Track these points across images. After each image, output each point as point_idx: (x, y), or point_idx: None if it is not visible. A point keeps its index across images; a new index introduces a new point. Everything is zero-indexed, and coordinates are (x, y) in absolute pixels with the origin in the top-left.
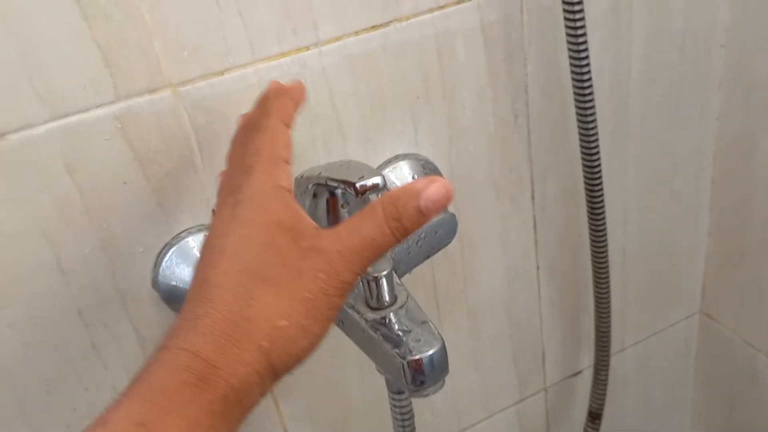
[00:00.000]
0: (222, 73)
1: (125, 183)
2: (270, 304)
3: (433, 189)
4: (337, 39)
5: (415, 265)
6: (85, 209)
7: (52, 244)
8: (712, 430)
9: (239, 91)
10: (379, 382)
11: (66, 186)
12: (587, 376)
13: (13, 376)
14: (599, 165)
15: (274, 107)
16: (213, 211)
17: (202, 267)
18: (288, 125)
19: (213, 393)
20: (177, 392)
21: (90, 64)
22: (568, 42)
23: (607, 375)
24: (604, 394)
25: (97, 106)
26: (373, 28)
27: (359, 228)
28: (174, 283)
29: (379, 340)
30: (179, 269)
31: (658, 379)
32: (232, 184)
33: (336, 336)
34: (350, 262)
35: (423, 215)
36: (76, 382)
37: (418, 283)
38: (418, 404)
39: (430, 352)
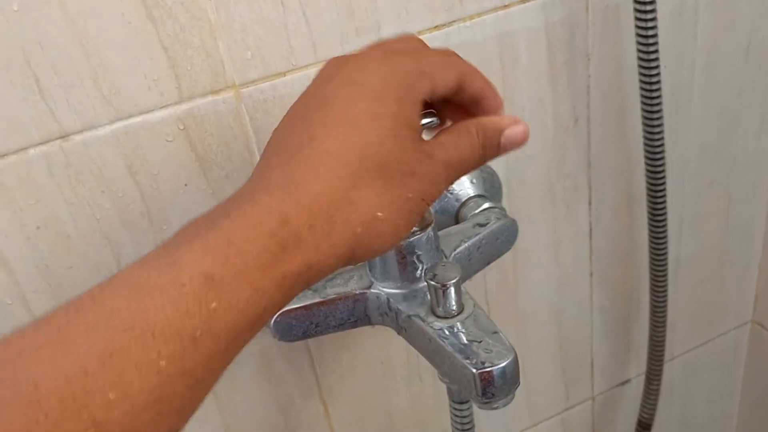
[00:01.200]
0: (284, 74)
1: (186, 185)
2: (376, 193)
3: (516, 130)
4: None
5: (476, 271)
6: (146, 211)
7: (112, 246)
8: None
9: (300, 92)
10: (425, 389)
11: (128, 187)
12: (635, 385)
13: None
14: (663, 171)
15: (472, 78)
16: None
17: (311, 121)
18: (465, 90)
19: (289, 267)
20: (255, 257)
21: (155, 65)
22: (638, 43)
23: (659, 385)
24: (656, 404)
25: (161, 107)
26: (436, 27)
27: (458, 144)
28: None
29: (446, 349)
30: None
31: (704, 388)
32: (384, 55)
33: (386, 342)
34: (449, 174)
35: (500, 150)
36: None
37: (470, 289)
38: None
39: (503, 363)
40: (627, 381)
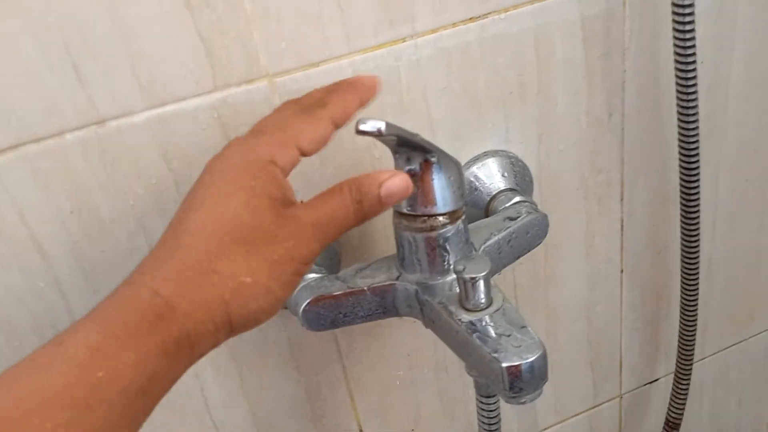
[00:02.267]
0: (318, 64)
1: None
2: (238, 261)
3: (395, 182)
4: (434, 31)
5: (505, 265)
6: (178, 198)
7: (145, 232)
8: None
9: (333, 82)
10: (452, 382)
11: (161, 174)
12: (664, 384)
13: None
14: (697, 168)
15: (335, 101)
16: None
17: (180, 212)
18: (338, 123)
19: (168, 333)
20: (134, 327)
21: (191, 54)
22: (675, 38)
23: (688, 385)
24: (684, 404)
25: (196, 96)
26: (471, 20)
27: (328, 203)
28: None
29: (474, 342)
30: None
31: (735, 390)
32: (244, 140)
33: (414, 335)
34: (318, 232)
35: (381, 203)
36: None
37: (499, 283)
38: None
39: (531, 358)
40: (656, 380)
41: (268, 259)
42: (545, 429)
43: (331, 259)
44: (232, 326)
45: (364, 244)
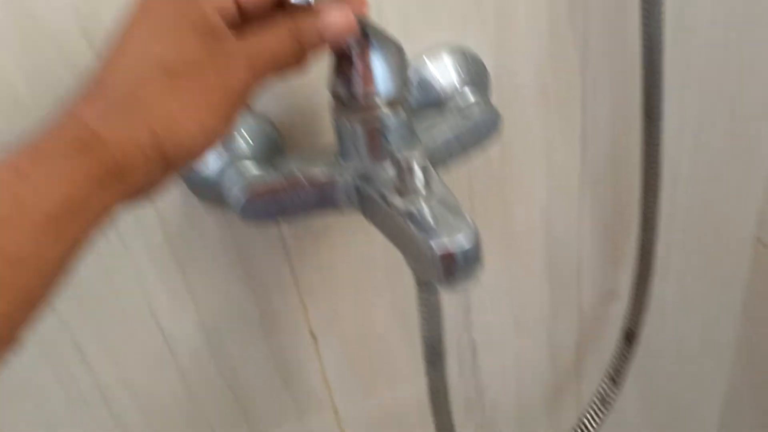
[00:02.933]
0: None
1: None
2: (165, 92)
3: (335, 15)
4: None
5: (453, 161)
6: None
7: None
8: (755, 361)
9: None
10: (406, 286)
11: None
12: (624, 298)
13: None
14: (661, 70)
15: None
16: None
17: (107, 50)
18: None
19: (95, 161)
20: (61, 153)
21: None
22: None
23: (647, 298)
24: (643, 317)
25: None
26: None
27: (264, 38)
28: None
29: (408, 229)
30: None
31: (701, 307)
32: None
33: (366, 240)
34: (250, 63)
35: (321, 36)
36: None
37: (454, 190)
38: (448, 314)
39: (464, 243)
40: (616, 294)
41: (196, 90)
42: (503, 341)
43: (272, 153)
44: (166, 159)
45: (308, 138)
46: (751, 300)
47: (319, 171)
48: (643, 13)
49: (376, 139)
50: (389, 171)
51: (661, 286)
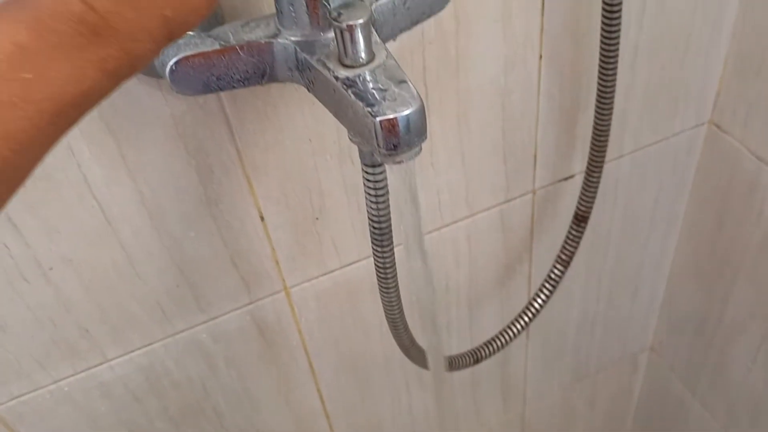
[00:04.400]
0: None
1: None
2: None
3: None
4: None
5: (401, 30)
6: None
7: None
8: (700, 245)
9: None
10: (357, 172)
11: None
12: (579, 181)
13: None
14: None
15: None
16: None
17: None
18: None
19: (106, 51)
20: (68, 37)
21: None
22: None
23: (599, 178)
24: (593, 198)
25: None
26: None
27: None
28: None
29: (350, 99)
30: None
31: (652, 188)
32: None
33: (316, 121)
34: None
35: None
36: None
37: (406, 64)
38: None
39: (406, 111)
40: (571, 176)
41: None
42: (456, 221)
43: (211, 24)
44: (170, 40)
45: (249, 8)
46: (700, 180)
47: (254, 37)
48: None
49: (318, 4)
50: (331, 38)
51: (615, 168)
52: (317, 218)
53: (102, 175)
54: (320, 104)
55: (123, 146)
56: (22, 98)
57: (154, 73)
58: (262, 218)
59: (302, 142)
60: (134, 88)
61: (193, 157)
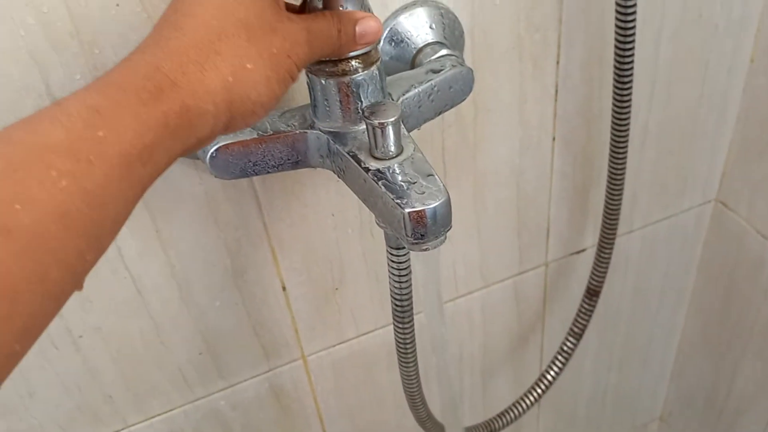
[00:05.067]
0: None
1: (118, 5)
2: (241, 46)
3: (370, 23)
4: None
5: (425, 120)
6: (74, 31)
7: (39, 67)
8: (709, 319)
9: None
10: (377, 244)
11: (53, 2)
12: (590, 254)
13: None
14: (633, 30)
15: None
16: None
17: (176, 4)
18: None
19: (168, 105)
20: (134, 94)
21: None
22: None
23: (610, 253)
24: (605, 273)
25: None
26: None
27: (317, 19)
28: None
29: (380, 190)
30: None
31: (661, 263)
32: None
33: (339, 196)
34: (310, 39)
35: (358, 39)
36: None
37: (426, 145)
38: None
39: (434, 204)
40: (582, 250)
41: (268, 50)
42: (471, 292)
43: None
44: (231, 113)
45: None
46: (707, 256)
47: (291, 128)
48: None
49: (350, 98)
50: (362, 130)
51: (626, 243)
52: (337, 289)
53: (136, 248)
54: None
55: (158, 221)
56: (97, 155)
57: (192, 156)
58: (284, 289)
59: (325, 216)
60: (171, 168)
61: (223, 231)
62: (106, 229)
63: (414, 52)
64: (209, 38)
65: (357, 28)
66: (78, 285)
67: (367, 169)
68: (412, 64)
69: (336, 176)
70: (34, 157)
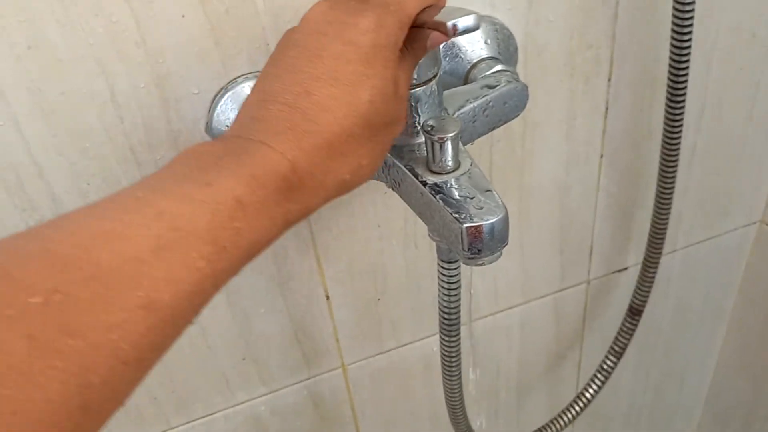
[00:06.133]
0: None
1: (183, 16)
2: (363, 144)
3: (434, 35)
4: None
5: (479, 135)
6: (141, 40)
7: (106, 75)
8: (748, 340)
9: None
10: (420, 256)
11: (122, 12)
12: (632, 273)
13: (62, 205)
14: (688, 51)
15: None
16: None
17: (307, 79)
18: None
19: (294, 205)
20: (272, 192)
21: None
22: None
23: (655, 273)
24: (649, 292)
25: None
26: None
27: (408, 71)
28: (228, 128)
29: (438, 204)
30: (234, 114)
31: (702, 284)
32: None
33: (386, 208)
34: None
35: (425, 48)
36: None
37: (474, 158)
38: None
39: (492, 219)
40: (624, 269)
41: (383, 142)
42: (511, 307)
43: None
44: (336, 197)
45: None
46: (749, 277)
47: None
48: None
49: (408, 114)
50: (418, 144)
51: (669, 263)
52: (379, 299)
53: None
54: (391, 193)
55: None
56: (232, 244)
57: None
58: (327, 297)
59: (371, 227)
60: None
61: None
62: (209, 298)
63: (468, 66)
64: (340, 139)
65: (428, 42)
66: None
67: (424, 183)
68: (466, 79)
69: (383, 188)
70: (180, 241)
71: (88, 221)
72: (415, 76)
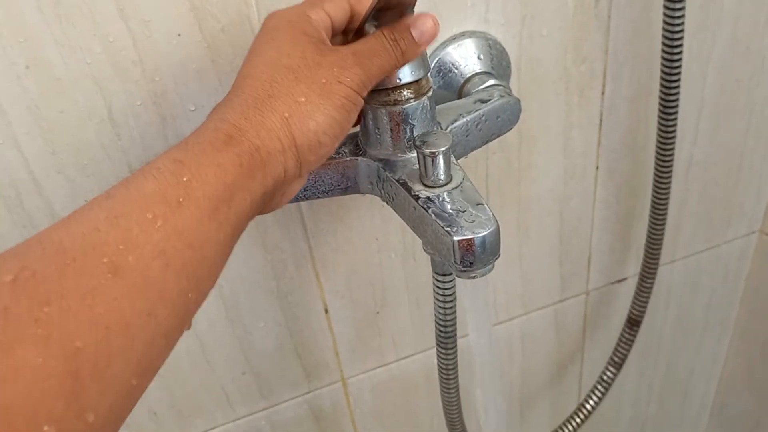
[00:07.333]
0: None
1: (179, 35)
2: (291, 86)
3: (425, 23)
4: None
5: (473, 149)
6: (138, 59)
7: (103, 93)
8: (753, 351)
9: None
10: (418, 269)
11: (119, 32)
12: (631, 284)
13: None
14: (680, 61)
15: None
16: None
17: (243, 64)
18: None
19: (238, 147)
20: (209, 143)
21: None
22: None
23: (652, 283)
24: (647, 302)
25: None
26: None
27: (365, 42)
28: None
29: (430, 218)
30: None
31: (704, 294)
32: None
33: (384, 221)
34: (361, 61)
35: (419, 43)
36: None
37: (471, 172)
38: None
39: (483, 232)
40: (623, 279)
41: (317, 82)
42: (511, 319)
43: None
44: (297, 146)
45: None
46: (751, 287)
47: (342, 155)
48: (666, 2)
49: (401, 127)
50: (411, 159)
51: (668, 274)
52: (378, 312)
53: None
54: (388, 206)
55: None
56: (185, 197)
57: None
58: (326, 311)
59: (369, 241)
60: None
61: (270, 253)
62: (204, 271)
63: (461, 81)
64: (263, 88)
65: (414, 32)
66: (186, 323)
67: (416, 197)
68: (460, 94)
69: (381, 201)
70: (131, 205)
71: (60, 222)
72: (406, 83)
